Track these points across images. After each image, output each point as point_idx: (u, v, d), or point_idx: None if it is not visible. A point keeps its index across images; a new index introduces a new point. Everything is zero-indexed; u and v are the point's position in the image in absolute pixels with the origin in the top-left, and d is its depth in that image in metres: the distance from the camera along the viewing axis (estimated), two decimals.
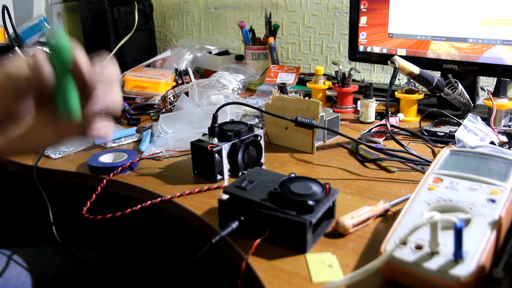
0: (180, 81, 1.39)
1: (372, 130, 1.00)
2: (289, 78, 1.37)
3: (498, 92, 0.98)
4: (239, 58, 1.59)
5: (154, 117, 1.17)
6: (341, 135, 0.90)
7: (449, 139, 0.93)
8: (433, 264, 0.46)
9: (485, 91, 1.01)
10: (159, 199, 0.73)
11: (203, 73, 1.59)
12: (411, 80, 1.07)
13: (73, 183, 0.88)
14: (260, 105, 1.19)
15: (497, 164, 0.61)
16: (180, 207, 0.71)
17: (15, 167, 0.93)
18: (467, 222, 0.51)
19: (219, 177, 0.79)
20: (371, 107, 1.08)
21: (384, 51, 1.19)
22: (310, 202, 0.55)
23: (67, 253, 0.83)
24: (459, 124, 0.94)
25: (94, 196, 0.78)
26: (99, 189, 0.80)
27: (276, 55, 1.47)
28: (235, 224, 0.58)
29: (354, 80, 1.28)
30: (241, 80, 1.36)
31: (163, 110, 1.18)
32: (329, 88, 1.25)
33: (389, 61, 0.95)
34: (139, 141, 1.01)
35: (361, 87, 1.17)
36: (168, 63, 1.48)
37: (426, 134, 0.98)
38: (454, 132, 0.88)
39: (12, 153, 0.50)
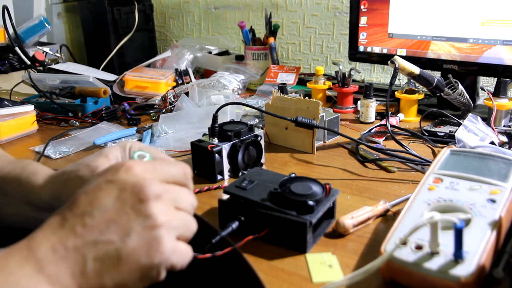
0: (180, 81, 1.39)
1: (372, 130, 1.00)
2: (289, 78, 1.37)
3: (498, 92, 0.98)
4: (239, 58, 1.59)
5: (154, 117, 1.17)
6: (341, 135, 0.90)
7: (449, 139, 0.93)
8: (433, 264, 0.46)
9: (485, 91, 1.01)
10: None
11: (203, 73, 1.59)
12: (411, 80, 1.07)
13: None
14: (260, 105, 1.19)
15: (497, 164, 0.61)
16: None
17: None
18: (467, 222, 0.51)
19: (219, 177, 0.79)
20: (371, 107, 1.08)
21: (384, 51, 1.19)
22: (310, 202, 0.55)
23: None
24: (459, 124, 0.94)
25: None
26: None
27: (276, 55, 1.47)
28: (235, 224, 0.58)
29: (354, 80, 1.28)
30: (241, 80, 1.37)
31: (163, 110, 1.18)
32: (329, 88, 1.25)
33: (389, 61, 0.95)
34: (139, 141, 1.01)
35: (361, 87, 1.17)
36: (168, 63, 1.48)
37: (426, 134, 0.98)
38: (454, 132, 0.88)
39: None
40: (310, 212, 0.56)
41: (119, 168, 0.41)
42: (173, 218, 0.41)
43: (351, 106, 1.20)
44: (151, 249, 0.38)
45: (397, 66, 0.94)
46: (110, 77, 1.39)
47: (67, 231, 0.38)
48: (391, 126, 0.97)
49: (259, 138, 0.83)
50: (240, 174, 0.80)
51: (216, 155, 0.77)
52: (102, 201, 0.39)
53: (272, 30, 1.48)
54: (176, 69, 1.40)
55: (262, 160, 0.85)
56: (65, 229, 0.38)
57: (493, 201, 0.53)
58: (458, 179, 0.58)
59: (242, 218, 0.59)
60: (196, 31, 1.88)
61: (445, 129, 0.98)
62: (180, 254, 0.41)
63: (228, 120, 0.87)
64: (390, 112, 0.99)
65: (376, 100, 1.10)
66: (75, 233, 0.38)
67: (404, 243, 0.49)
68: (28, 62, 1.44)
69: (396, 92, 1.13)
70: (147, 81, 1.31)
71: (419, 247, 0.48)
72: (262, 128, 0.85)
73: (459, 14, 1.04)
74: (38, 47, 1.48)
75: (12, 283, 0.35)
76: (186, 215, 0.43)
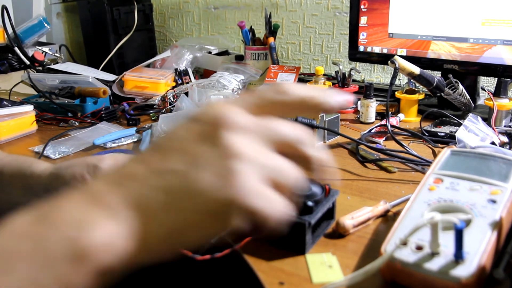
0: (179, 81, 1.39)
1: (373, 131, 1.00)
2: (289, 78, 1.37)
3: (498, 92, 0.98)
4: (239, 58, 1.59)
5: (154, 117, 1.17)
6: (341, 135, 0.90)
7: (450, 139, 0.93)
8: (433, 265, 0.46)
9: (485, 91, 1.01)
10: None
11: (203, 73, 1.59)
12: (412, 80, 1.07)
13: None
14: None
15: (498, 164, 0.60)
16: None
17: None
18: (467, 222, 0.51)
19: None
20: (372, 107, 1.08)
21: (385, 51, 1.19)
22: (310, 203, 0.55)
23: None
24: (459, 125, 0.93)
25: None
26: None
27: (276, 55, 1.47)
28: None
29: (354, 80, 1.28)
30: (241, 80, 1.36)
31: (163, 111, 1.17)
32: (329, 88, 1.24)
33: (389, 61, 0.95)
34: (139, 142, 1.01)
35: (362, 87, 1.17)
36: (168, 63, 1.48)
37: (427, 134, 0.97)
38: (455, 133, 0.88)
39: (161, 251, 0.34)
40: (309, 212, 0.56)
41: (205, 106, 0.34)
42: (261, 156, 0.32)
43: (351, 106, 1.20)
44: (225, 182, 0.30)
45: (397, 66, 0.94)
46: (110, 77, 1.39)
47: (128, 162, 0.33)
48: (391, 126, 0.97)
49: None
50: None
51: None
52: (177, 133, 0.33)
53: (272, 30, 1.48)
54: (176, 69, 1.40)
55: None
56: (125, 162, 0.33)
57: (494, 201, 0.53)
58: (458, 180, 0.58)
59: None
60: (195, 31, 1.88)
61: (446, 129, 0.98)
62: (266, 199, 0.31)
63: None
64: (390, 112, 0.99)
65: (376, 100, 1.10)
66: (136, 160, 0.33)
67: (404, 243, 0.49)
68: (28, 62, 1.44)
69: (396, 92, 1.13)
70: (147, 81, 1.31)
71: (419, 248, 0.48)
72: None
73: (460, 14, 1.04)
74: (37, 47, 1.48)
75: (64, 217, 0.30)
76: (282, 159, 0.33)
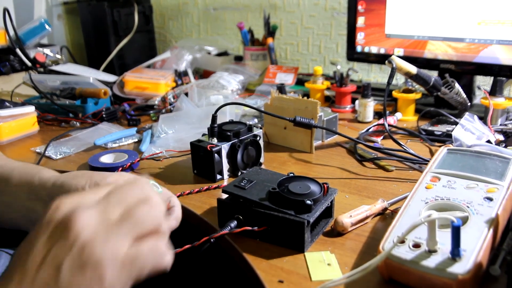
0: (179, 82, 1.40)
1: (370, 130, 1.00)
2: (288, 78, 1.38)
3: (494, 91, 0.99)
4: (238, 58, 1.60)
5: (154, 118, 1.18)
6: (339, 134, 0.91)
7: (446, 138, 0.94)
8: (430, 262, 0.47)
9: (481, 90, 1.02)
10: None
11: (202, 73, 1.60)
12: (409, 80, 1.08)
13: None
14: (259, 105, 1.20)
15: (494, 162, 0.61)
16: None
17: None
18: (464, 220, 0.51)
19: (218, 177, 0.79)
20: (369, 106, 1.09)
21: (382, 51, 1.20)
22: (308, 202, 0.56)
23: None
24: (456, 123, 0.94)
25: None
26: None
27: (275, 55, 1.48)
28: (233, 224, 0.59)
29: (352, 80, 1.29)
30: (240, 80, 1.37)
31: (163, 111, 1.18)
32: (328, 88, 1.25)
33: (386, 61, 0.96)
34: (139, 142, 1.02)
35: (359, 87, 1.18)
36: (168, 64, 1.49)
37: (424, 133, 0.98)
38: (451, 131, 0.89)
39: None
40: (308, 211, 0.56)
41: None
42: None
43: (349, 106, 1.21)
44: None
45: (394, 66, 0.95)
46: (110, 78, 1.39)
47: None
48: (389, 125, 0.98)
49: (258, 138, 0.83)
50: (239, 173, 0.81)
51: (216, 155, 0.77)
52: (34, 242, 0.38)
53: (271, 31, 1.49)
54: (176, 70, 1.41)
55: (261, 160, 0.86)
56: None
57: (490, 199, 0.54)
58: (455, 178, 0.59)
59: (241, 217, 0.60)
60: (195, 32, 1.89)
61: (442, 128, 0.99)
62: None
63: (227, 120, 0.88)
64: (387, 112, 0.99)
65: (374, 100, 1.11)
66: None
67: (402, 241, 0.50)
68: (29, 64, 1.44)
69: (393, 92, 1.13)
70: (147, 81, 1.32)
71: (416, 245, 0.49)
72: (261, 128, 0.86)
73: (456, 14, 1.05)
74: (38, 48, 1.48)
75: None
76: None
